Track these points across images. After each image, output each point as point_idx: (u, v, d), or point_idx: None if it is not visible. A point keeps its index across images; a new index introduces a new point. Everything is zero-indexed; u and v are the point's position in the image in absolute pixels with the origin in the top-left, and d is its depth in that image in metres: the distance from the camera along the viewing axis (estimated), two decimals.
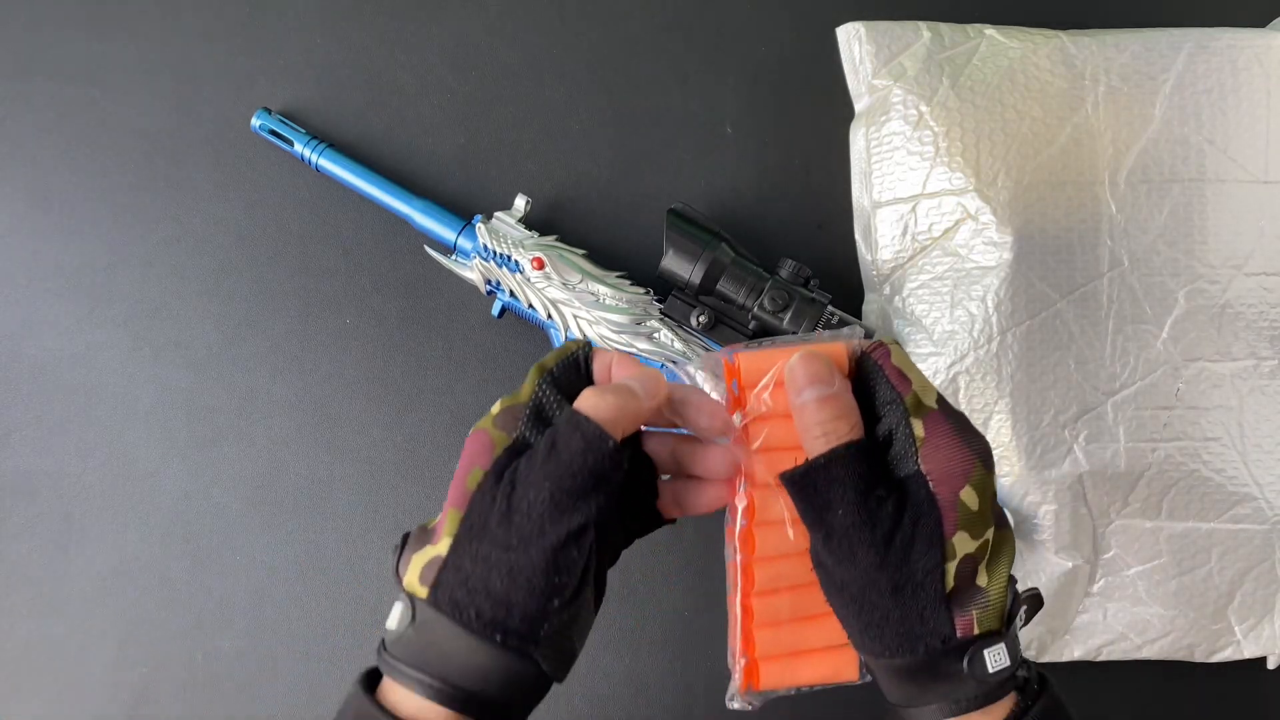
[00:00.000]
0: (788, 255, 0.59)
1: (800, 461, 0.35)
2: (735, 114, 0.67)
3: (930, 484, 0.34)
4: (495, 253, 0.60)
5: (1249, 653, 0.63)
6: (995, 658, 0.33)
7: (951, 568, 0.33)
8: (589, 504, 0.34)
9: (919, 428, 0.34)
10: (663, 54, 0.67)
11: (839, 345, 0.37)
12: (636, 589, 0.65)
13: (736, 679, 0.38)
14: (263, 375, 0.66)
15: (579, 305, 0.59)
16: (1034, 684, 0.35)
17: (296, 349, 0.66)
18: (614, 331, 0.59)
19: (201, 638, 0.65)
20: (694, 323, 0.60)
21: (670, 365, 0.59)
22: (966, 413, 0.60)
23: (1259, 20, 0.65)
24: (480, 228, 0.60)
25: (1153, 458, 0.61)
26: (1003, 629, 0.34)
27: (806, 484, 0.35)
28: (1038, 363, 0.60)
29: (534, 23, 0.67)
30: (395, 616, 0.34)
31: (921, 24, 0.62)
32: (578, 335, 0.60)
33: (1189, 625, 0.62)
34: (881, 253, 0.63)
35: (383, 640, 0.35)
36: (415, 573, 0.34)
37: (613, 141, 0.67)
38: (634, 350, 0.59)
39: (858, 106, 0.65)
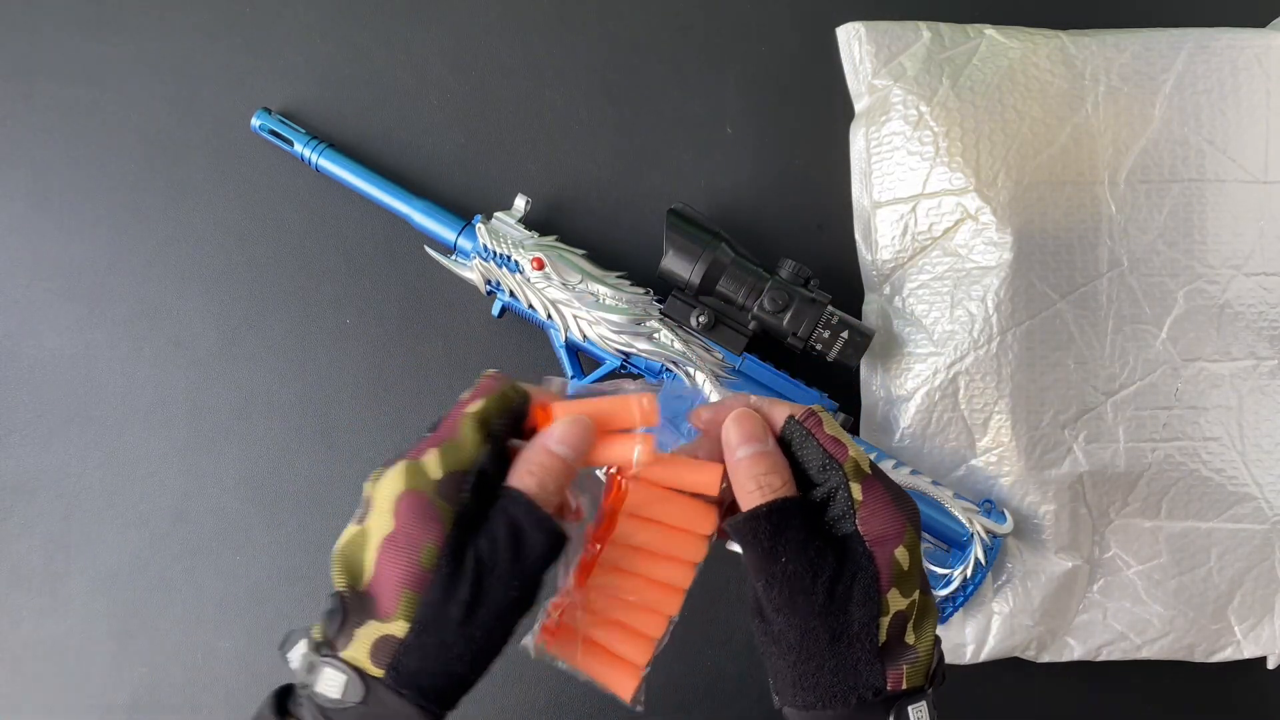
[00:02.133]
0: (788, 255, 0.59)
1: (708, 506, 0.39)
2: (735, 114, 0.67)
3: (867, 543, 0.36)
4: (495, 253, 0.60)
5: (1249, 653, 0.63)
6: (918, 715, 0.35)
7: (885, 622, 0.35)
8: (539, 591, 0.36)
9: (857, 491, 0.37)
10: (663, 54, 0.67)
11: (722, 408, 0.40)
12: None
13: (537, 628, 0.40)
14: (263, 375, 0.66)
15: (579, 305, 0.59)
16: None
17: (296, 349, 0.66)
18: (614, 331, 0.59)
19: (201, 638, 0.65)
20: (694, 323, 0.60)
21: (672, 368, 0.60)
22: (966, 412, 0.61)
23: (1259, 20, 0.65)
24: (480, 228, 0.60)
25: (1152, 458, 0.61)
26: (926, 687, 0.36)
27: (749, 530, 0.36)
28: (1037, 363, 0.60)
29: (534, 23, 0.67)
30: (335, 685, 0.34)
31: (921, 24, 0.62)
32: (577, 335, 0.60)
33: (1189, 625, 0.62)
34: (881, 253, 0.63)
35: (313, 700, 0.34)
36: (363, 649, 0.33)
37: (613, 141, 0.67)
38: (634, 350, 0.59)
39: (858, 106, 0.65)
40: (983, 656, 0.62)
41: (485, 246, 0.60)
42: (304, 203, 0.66)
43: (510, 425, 0.37)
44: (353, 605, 0.34)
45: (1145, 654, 0.63)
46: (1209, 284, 0.61)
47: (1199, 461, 0.61)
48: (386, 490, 0.35)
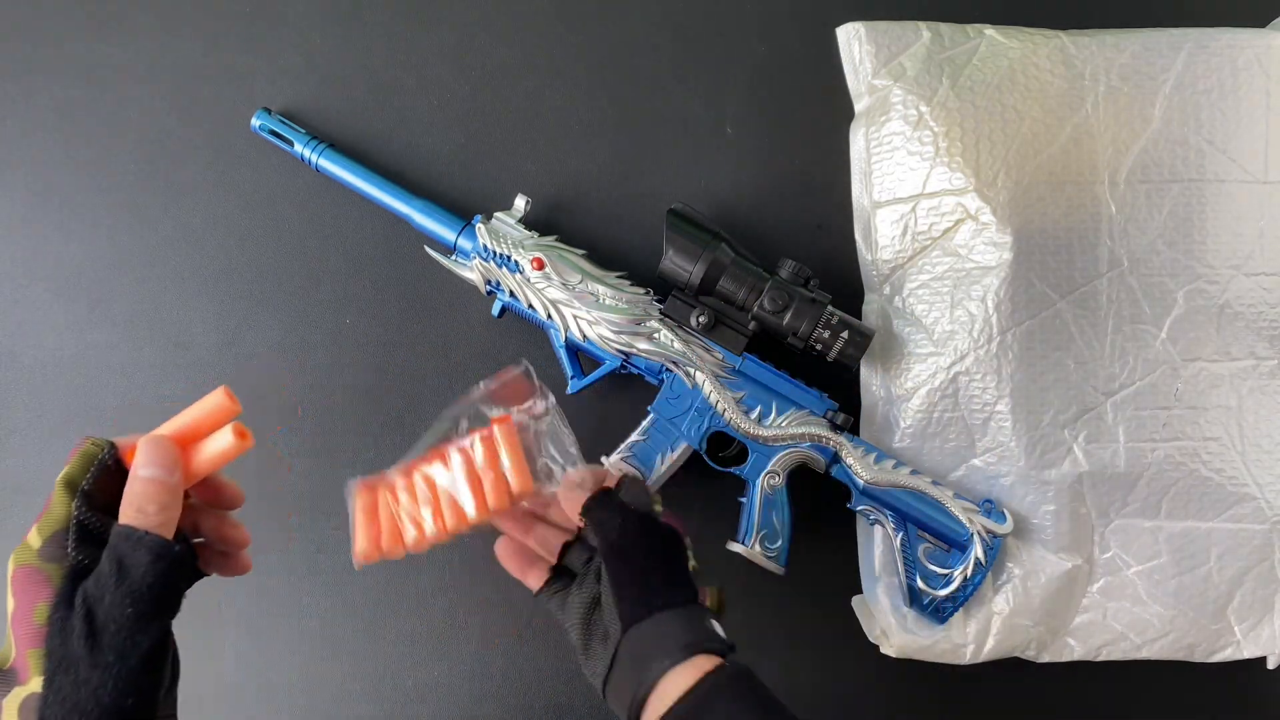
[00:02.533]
0: (788, 255, 0.59)
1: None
2: (735, 114, 0.67)
3: (674, 527, 0.51)
4: (495, 253, 0.60)
5: (1249, 653, 0.63)
6: (718, 627, 0.47)
7: (691, 564, 0.50)
8: (171, 602, 0.40)
9: (658, 503, 0.52)
10: (663, 54, 0.67)
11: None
12: None
13: (361, 478, 0.52)
14: (263, 375, 0.66)
15: (579, 305, 0.59)
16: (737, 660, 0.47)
17: (296, 349, 0.66)
18: (614, 331, 0.59)
19: (201, 637, 0.65)
20: (694, 323, 0.60)
21: (672, 368, 0.59)
22: (966, 413, 0.61)
23: (1259, 20, 0.65)
24: (480, 228, 0.60)
25: (1152, 458, 0.61)
26: (718, 613, 0.50)
27: (595, 503, 0.49)
28: (1037, 363, 0.60)
29: (534, 23, 0.67)
30: None
31: (921, 24, 0.62)
32: (577, 335, 0.59)
33: (1189, 625, 0.62)
34: (881, 253, 0.63)
35: None
36: (13, 716, 0.36)
37: (613, 141, 0.67)
38: (634, 350, 0.59)
39: (858, 106, 0.65)
40: (983, 656, 0.62)
41: (485, 246, 0.60)
42: (304, 203, 0.66)
43: (102, 476, 0.40)
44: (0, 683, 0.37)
45: (1145, 654, 0.63)
46: (1209, 284, 0.61)
47: (1199, 461, 0.61)
48: (7, 575, 0.38)
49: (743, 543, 0.61)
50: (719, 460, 0.61)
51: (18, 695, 0.36)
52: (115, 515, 0.40)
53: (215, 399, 0.44)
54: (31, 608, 0.37)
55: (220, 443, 0.43)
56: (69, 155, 0.66)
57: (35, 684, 0.36)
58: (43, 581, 0.38)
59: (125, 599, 0.37)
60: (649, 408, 0.61)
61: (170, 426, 0.43)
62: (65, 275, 0.66)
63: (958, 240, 0.61)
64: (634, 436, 0.60)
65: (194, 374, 0.65)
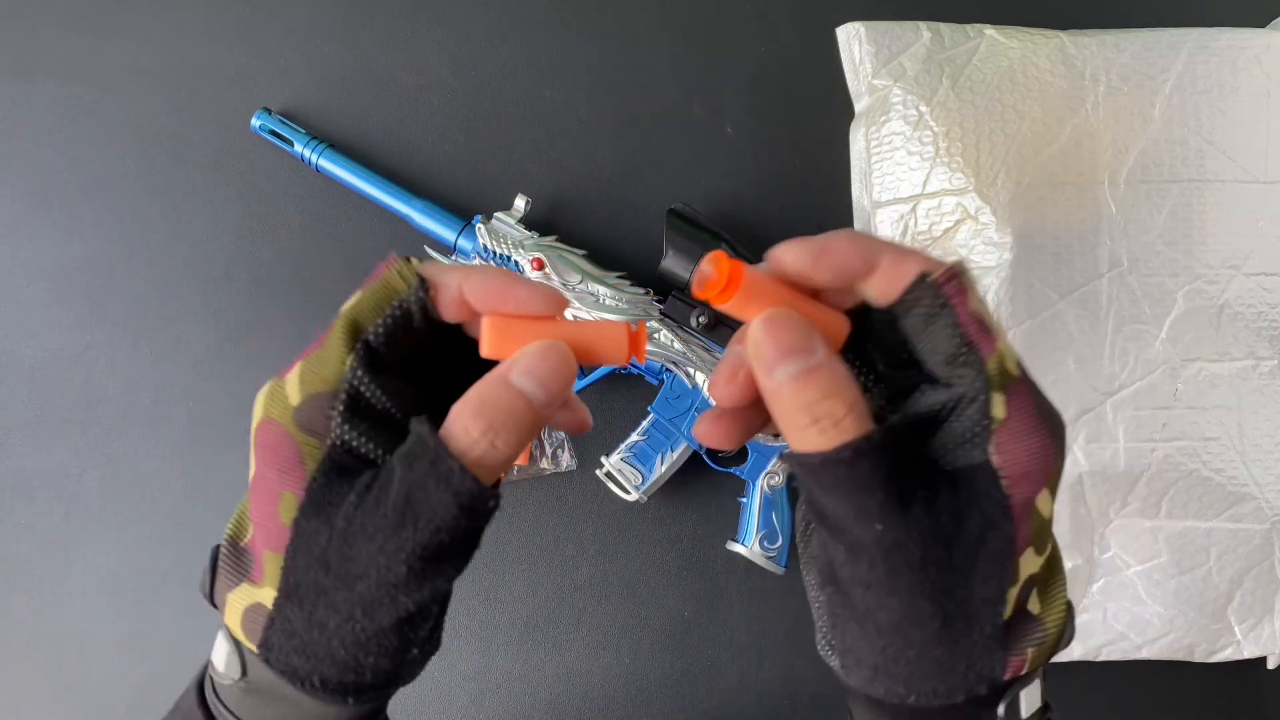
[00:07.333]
0: None
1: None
2: (735, 114, 0.67)
3: (1004, 483, 0.24)
4: (495, 253, 0.60)
5: (1249, 653, 0.63)
6: (1030, 698, 0.28)
7: (1013, 594, 0.25)
8: (455, 564, 0.28)
9: (999, 405, 0.24)
10: (663, 54, 0.67)
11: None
12: (637, 589, 0.65)
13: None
14: (263, 375, 0.65)
15: (579, 305, 0.59)
16: None
17: (296, 349, 0.65)
18: None
19: (201, 638, 0.65)
20: (694, 323, 0.60)
21: (672, 368, 0.59)
22: None
23: (1259, 20, 0.65)
24: (480, 228, 0.60)
25: (1152, 457, 0.61)
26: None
27: (814, 484, 0.25)
28: (1037, 363, 0.60)
29: (534, 23, 0.67)
30: (221, 656, 0.29)
31: (921, 24, 0.62)
32: None
33: (1189, 625, 0.62)
34: None
35: (210, 678, 0.31)
36: (236, 616, 0.28)
37: (613, 141, 0.67)
38: None
39: (858, 106, 0.65)
40: None
41: (485, 247, 0.60)
42: (304, 203, 0.66)
43: (399, 330, 0.28)
44: (230, 563, 0.28)
45: (1145, 654, 0.63)
46: (1208, 284, 0.61)
47: (1199, 461, 0.61)
48: (254, 418, 0.28)
49: (742, 543, 0.61)
50: (718, 460, 0.61)
51: (247, 595, 0.27)
52: (412, 383, 0.28)
53: (631, 332, 0.29)
54: (277, 494, 0.26)
55: (606, 352, 0.29)
56: (69, 155, 0.66)
57: (267, 595, 0.27)
58: (294, 458, 0.26)
59: (401, 549, 0.25)
60: (649, 408, 0.61)
61: (565, 334, 0.28)
62: (65, 275, 0.66)
63: (958, 240, 0.61)
64: (634, 436, 0.60)
65: (194, 374, 0.65)
